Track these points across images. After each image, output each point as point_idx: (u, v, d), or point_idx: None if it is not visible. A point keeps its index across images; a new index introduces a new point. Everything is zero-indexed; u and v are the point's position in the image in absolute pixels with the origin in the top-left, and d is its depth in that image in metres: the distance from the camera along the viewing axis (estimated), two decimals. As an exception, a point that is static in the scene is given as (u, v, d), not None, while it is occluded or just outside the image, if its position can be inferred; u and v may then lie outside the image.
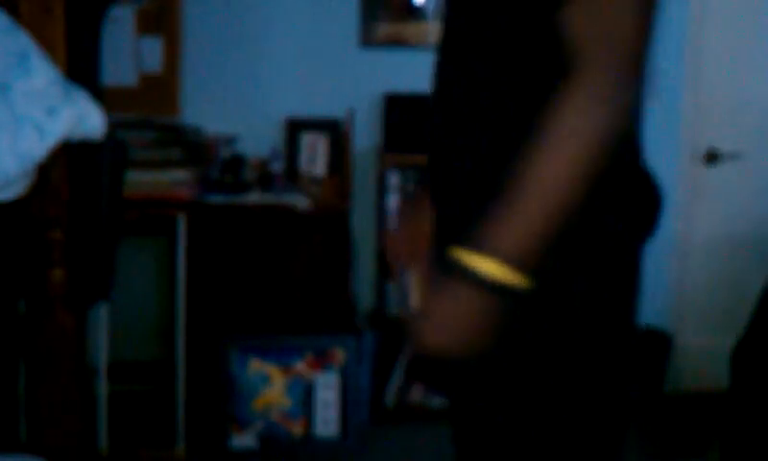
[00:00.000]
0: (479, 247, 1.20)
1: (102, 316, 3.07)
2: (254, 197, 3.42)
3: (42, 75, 1.93)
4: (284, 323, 3.35)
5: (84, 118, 1.99)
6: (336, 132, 3.64)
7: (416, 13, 3.69)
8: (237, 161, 3.50)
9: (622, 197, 1.32)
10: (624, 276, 1.37)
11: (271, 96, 3.70)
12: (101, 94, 2.39)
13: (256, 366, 3.31)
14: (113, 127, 2.18)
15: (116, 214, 2.43)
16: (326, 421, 3.34)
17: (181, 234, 3.15)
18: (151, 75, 3.58)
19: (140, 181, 3.05)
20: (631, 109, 1.25)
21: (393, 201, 3.55)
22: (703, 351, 3.84)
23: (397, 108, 3.58)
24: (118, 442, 3.14)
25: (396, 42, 3.71)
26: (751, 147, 3.91)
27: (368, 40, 3.70)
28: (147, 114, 3.45)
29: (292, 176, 3.60)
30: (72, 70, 2.07)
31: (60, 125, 1.93)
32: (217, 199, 3.34)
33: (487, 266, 1.19)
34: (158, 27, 3.57)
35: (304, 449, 3.33)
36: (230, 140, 3.55)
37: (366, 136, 3.72)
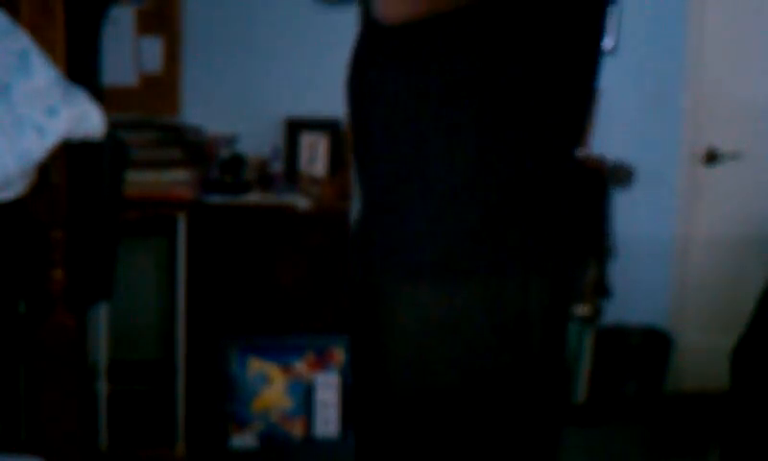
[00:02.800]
0: None
1: (102, 316, 3.07)
2: (254, 197, 3.42)
3: (42, 75, 1.93)
4: (284, 323, 3.35)
5: (83, 118, 1.99)
6: (336, 132, 3.64)
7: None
8: (237, 161, 3.50)
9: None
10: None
11: (271, 96, 3.70)
12: (101, 94, 2.39)
13: (256, 366, 3.31)
14: (113, 127, 2.18)
15: (116, 214, 2.43)
16: (326, 421, 3.34)
17: (181, 234, 3.15)
18: (151, 75, 3.58)
19: (140, 181, 3.06)
20: None
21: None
22: (703, 351, 3.84)
23: (397, 108, 3.58)
24: (118, 441, 3.14)
25: (396, 42, 3.71)
26: (751, 147, 3.91)
27: (368, 40, 3.70)
28: (147, 114, 3.45)
29: (292, 176, 3.60)
30: (72, 70, 2.07)
31: (60, 125, 1.93)
32: (217, 199, 3.34)
33: None
34: (158, 27, 3.57)
35: (304, 450, 3.33)
36: (230, 140, 3.55)
37: (366, 136, 3.72)
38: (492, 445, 1.27)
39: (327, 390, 3.34)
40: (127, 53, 3.54)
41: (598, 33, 1.31)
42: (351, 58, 1.39)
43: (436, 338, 1.25)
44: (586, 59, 1.30)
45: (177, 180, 3.19)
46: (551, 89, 1.25)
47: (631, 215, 3.82)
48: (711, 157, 3.91)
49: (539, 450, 1.32)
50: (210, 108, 3.63)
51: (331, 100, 3.72)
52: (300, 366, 3.33)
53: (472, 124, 1.23)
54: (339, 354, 3.33)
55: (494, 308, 1.24)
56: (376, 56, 1.30)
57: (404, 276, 1.28)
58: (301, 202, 3.38)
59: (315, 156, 3.63)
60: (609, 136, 3.78)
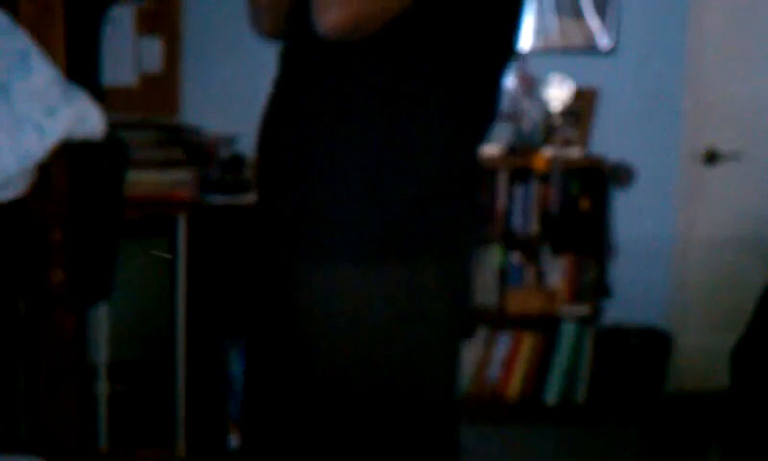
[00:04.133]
0: None
1: (102, 316, 3.07)
2: (254, 197, 3.41)
3: (42, 75, 1.93)
4: (284, 323, 3.34)
5: (83, 118, 1.99)
6: (336, 132, 3.63)
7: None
8: (237, 161, 3.49)
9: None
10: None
11: (271, 96, 3.70)
12: (101, 94, 2.40)
13: (256, 366, 3.30)
14: (113, 127, 2.18)
15: (116, 214, 2.43)
16: (326, 421, 3.33)
17: (181, 234, 3.15)
18: (151, 75, 3.58)
19: (140, 181, 3.05)
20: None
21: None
22: (703, 351, 3.84)
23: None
24: (118, 442, 3.14)
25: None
26: (751, 147, 3.91)
27: (368, 40, 3.70)
28: (147, 114, 3.45)
29: (292, 176, 3.60)
30: (72, 70, 2.07)
31: (59, 125, 1.93)
32: (217, 199, 3.34)
33: None
34: (158, 27, 3.57)
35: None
36: (230, 140, 3.55)
37: (366, 136, 3.72)
38: (402, 414, 1.39)
39: (327, 390, 3.33)
40: (127, 53, 3.54)
41: (510, 36, 1.45)
42: (285, 52, 1.50)
43: (355, 317, 1.35)
44: (496, 60, 1.44)
45: (177, 180, 3.19)
46: (466, 89, 1.39)
47: (631, 215, 3.82)
48: (711, 157, 3.91)
49: (442, 423, 1.44)
50: (210, 108, 3.63)
51: (331, 100, 3.73)
52: (300, 366, 3.32)
53: (400, 119, 1.35)
54: (339, 354, 3.33)
55: (411, 289, 1.35)
56: (311, 53, 1.41)
57: (326, 257, 1.36)
58: (301, 202, 3.37)
59: (315, 156, 3.63)
60: (609, 136, 3.78)
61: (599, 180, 3.69)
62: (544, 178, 3.64)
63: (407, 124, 1.35)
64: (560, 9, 3.77)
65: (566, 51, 3.80)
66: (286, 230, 1.43)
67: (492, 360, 3.70)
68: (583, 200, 3.69)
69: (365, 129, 1.35)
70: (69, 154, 2.06)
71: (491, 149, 3.58)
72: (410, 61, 1.35)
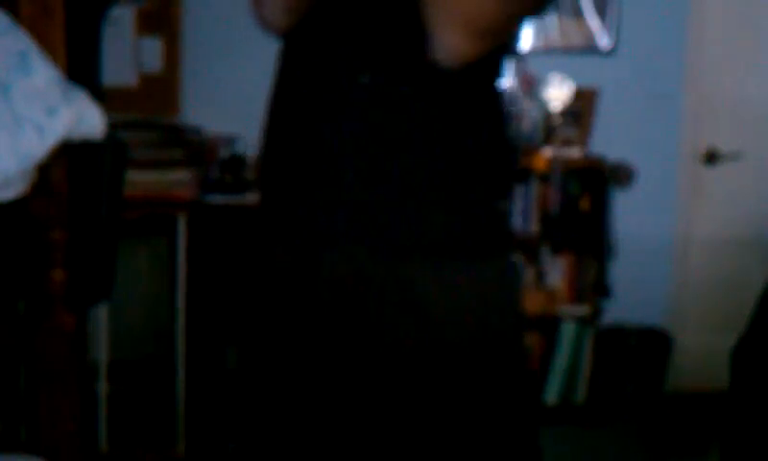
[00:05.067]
0: None
1: (102, 316, 3.07)
2: (254, 197, 3.41)
3: (42, 75, 1.93)
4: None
5: (83, 118, 1.99)
6: (336, 132, 3.63)
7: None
8: (237, 161, 3.49)
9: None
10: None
11: (271, 96, 3.70)
12: (101, 94, 2.40)
13: (256, 366, 3.30)
14: (113, 127, 2.18)
15: (116, 214, 2.43)
16: (326, 421, 3.33)
17: (181, 234, 3.15)
18: (151, 75, 3.58)
19: (140, 181, 3.05)
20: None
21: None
22: (703, 351, 3.84)
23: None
24: (118, 442, 3.14)
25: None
26: (751, 147, 3.91)
27: (368, 40, 3.70)
28: (147, 114, 3.45)
29: (292, 176, 3.60)
30: (72, 70, 2.07)
31: (59, 125, 1.93)
32: (217, 199, 3.34)
33: None
34: (158, 27, 3.57)
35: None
36: (230, 140, 3.55)
37: (366, 136, 3.72)
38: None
39: (327, 390, 3.33)
40: (127, 53, 3.54)
41: None
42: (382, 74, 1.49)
43: (467, 311, 1.48)
44: None
45: (177, 180, 3.19)
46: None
47: (631, 215, 3.83)
48: (711, 157, 3.91)
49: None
50: (210, 108, 3.63)
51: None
52: (300, 366, 3.32)
53: (480, 136, 1.46)
54: (339, 354, 3.33)
55: (505, 282, 1.57)
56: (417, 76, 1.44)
57: (439, 258, 1.47)
58: (301, 202, 3.37)
59: (315, 156, 3.63)
60: (609, 136, 3.78)
61: (599, 180, 3.69)
62: (544, 178, 3.64)
63: (495, 134, 1.49)
64: (560, 9, 3.77)
65: (566, 51, 3.80)
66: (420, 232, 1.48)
67: (491, 360, 3.70)
68: (583, 200, 3.69)
69: (473, 142, 1.45)
70: (69, 154, 2.06)
71: (491, 149, 3.58)
72: (492, 75, 1.47)
